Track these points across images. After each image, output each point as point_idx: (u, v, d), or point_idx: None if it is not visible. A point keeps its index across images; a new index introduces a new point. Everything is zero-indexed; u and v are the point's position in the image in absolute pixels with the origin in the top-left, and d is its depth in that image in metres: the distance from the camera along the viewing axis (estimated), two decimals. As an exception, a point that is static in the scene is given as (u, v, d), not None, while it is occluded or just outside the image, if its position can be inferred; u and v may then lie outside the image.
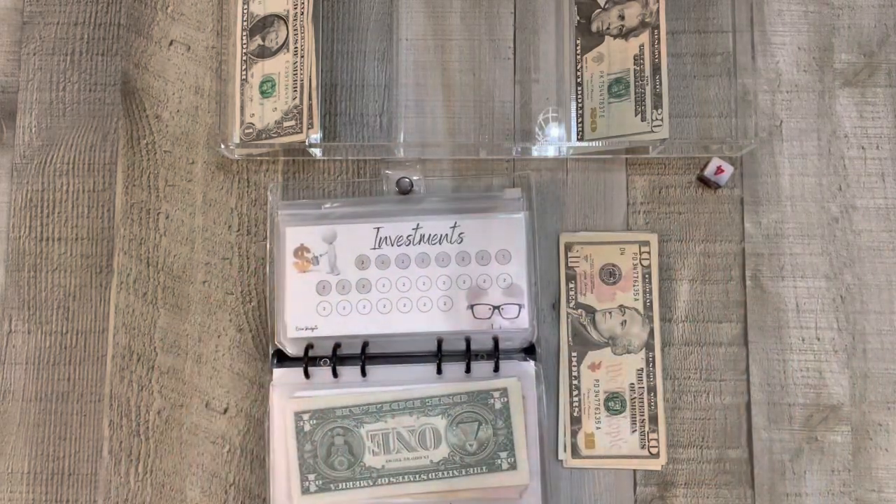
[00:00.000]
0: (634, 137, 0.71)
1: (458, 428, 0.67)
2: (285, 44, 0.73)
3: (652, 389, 0.71)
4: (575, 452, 0.70)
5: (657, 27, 0.72)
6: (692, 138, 0.74)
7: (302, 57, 0.72)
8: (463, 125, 0.74)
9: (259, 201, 0.74)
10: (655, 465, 0.70)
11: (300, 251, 0.71)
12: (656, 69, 0.71)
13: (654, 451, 0.70)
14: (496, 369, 0.68)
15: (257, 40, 0.73)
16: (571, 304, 0.72)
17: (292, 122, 0.71)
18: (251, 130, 0.72)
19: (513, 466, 0.67)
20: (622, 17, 0.72)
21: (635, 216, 0.73)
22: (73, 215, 0.74)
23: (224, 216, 0.74)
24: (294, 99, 0.72)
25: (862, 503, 0.70)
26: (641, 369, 0.71)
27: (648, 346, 0.71)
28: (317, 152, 0.73)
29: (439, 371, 0.68)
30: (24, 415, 0.72)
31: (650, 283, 0.72)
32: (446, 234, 0.70)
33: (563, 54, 0.74)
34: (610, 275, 0.72)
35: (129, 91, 0.75)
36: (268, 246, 0.72)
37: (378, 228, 0.70)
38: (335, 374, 0.69)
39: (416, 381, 0.69)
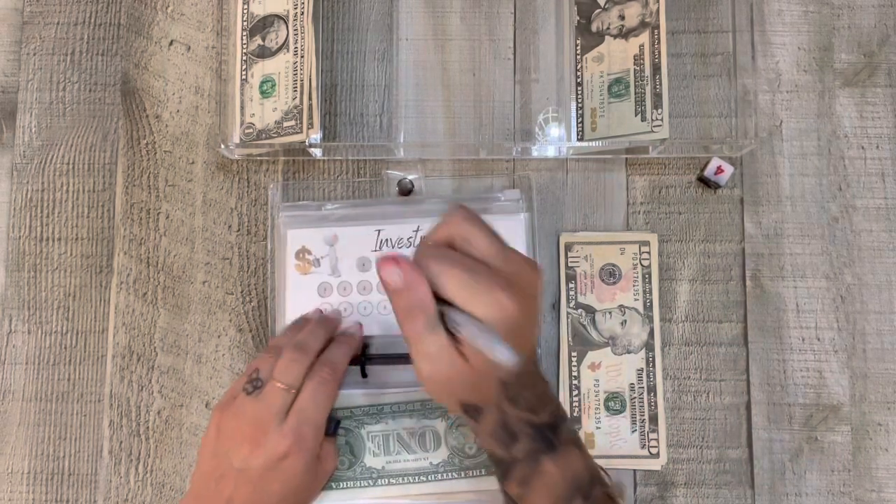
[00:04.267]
0: (634, 137, 0.71)
1: (457, 430, 0.67)
2: (285, 44, 0.73)
3: (652, 389, 0.71)
4: (575, 452, 0.70)
5: (657, 27, 0.71)
6: (692, 138, 0.74)
7: (302, 57, 0.72)
8: (463, 125, 0.74)
9: (259, 201, 0.74)
10: (655, 465, 0.70)
11: (301, 253, 0.71)
12: (656, 69, 0.71)
13: (654, 451, 0.70)
14: (496, 370, 0.68)
15: (257, 40, 0.73)
16: (571, 304, 0.72)
17: (292, 122, 0.71)
18: (251, 130, 0.72)
19: (513, 468, 0.67)
20: (622, 17, 0.72)
21: (635, 216, 0.73)
22: (73, 215, 0.74)
23: (224, 216, 0.74)
24: (294, 99, 0.72)
25: (862, 503, 0.70)
26: (641, 369, 0.71)
27: (648, 346, 0.71)
28: (317, 152, 0.73)
29: (440, 372, 0.68)
30: (24, 415, 0.72)
31: (650, 283, 0.72)
32: (447, 236, 0.70)
33: (563, 54, 0.74)
34: (610, 275, 0.72)
35: (129, 91, 0.75)
36: (268, 246, 0.72)
37: (379, 231, 0.70)
38: (335, 375, 0.69)
39: (417, 383, 0.68)
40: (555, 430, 0.54)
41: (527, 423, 0.53)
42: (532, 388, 0.54)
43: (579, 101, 0.73)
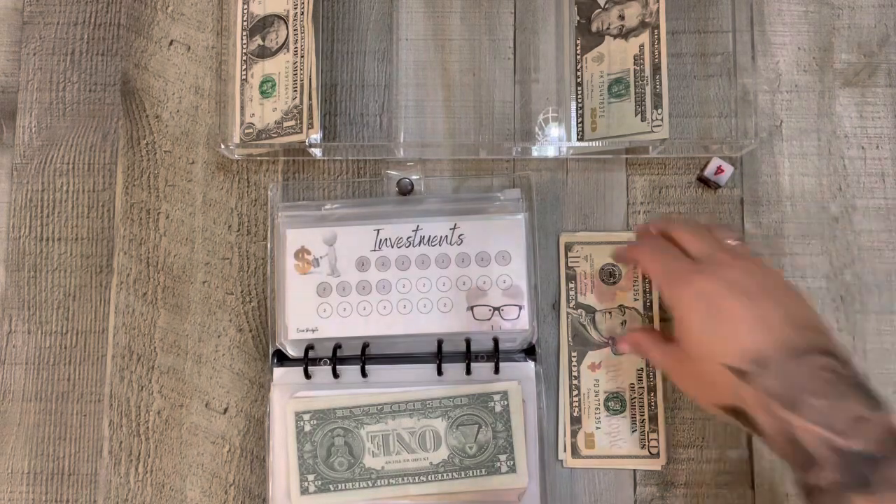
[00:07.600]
0: (634, 137, 0.71)
1: (458, 430, 0.67)
2: (285, 44, 0.73)
3: (652, 389, 0.71)
4: (575, 452, 0.70)
5: (657, 27, 0.71)
6: (692, 138, 0.74)
7: (302, 57, 0.72)
8: (463, 125, 0.74)
9: (259, 201, 0.74)
10: (655, 465, 0.70)
11: (301, 253, 0.71)
12: (656, 69, 0.71)
13: (654, 451, 0.70)
14: (496, 371, 0.68)
15: (257, 40, 0.73)
16: (571, 304, 0.72)
17: (292, 122, 0.71)
18: (251, 130, 0.72)
19: (512, 469, 0.67)
20: (622, 17, 0.72)
21: (635, 216, 0.73)
22: (73, 215, 0.74)
23: (224, 216, 0.74)
24: (294, 99, 0.72)
25: (861, 503, 0.70)
26: (641, 369, 0.71)
27: (648, 347, 0.71)
28: (317, 152, 0.73)
29: (440, 372, 0.68)
30: (24, 415, 0.72)
31: (650, 283, 0.72)
32: (446, 236, 0.70)
33: (563, 54, 0.74)
34: (610, 275, 0.72)
35: (129, 91, 0.75)
36: (268, 246, 0.72)
37: (378, 230, 0.70)
38: (335, 375, 0.69)
39: (417, 382, 0.69)
40: (875, 465, 0.44)
41: (828, 445, 0.46)
42: (822, 395, 0.46)
43: (579, 101, 0.73)
